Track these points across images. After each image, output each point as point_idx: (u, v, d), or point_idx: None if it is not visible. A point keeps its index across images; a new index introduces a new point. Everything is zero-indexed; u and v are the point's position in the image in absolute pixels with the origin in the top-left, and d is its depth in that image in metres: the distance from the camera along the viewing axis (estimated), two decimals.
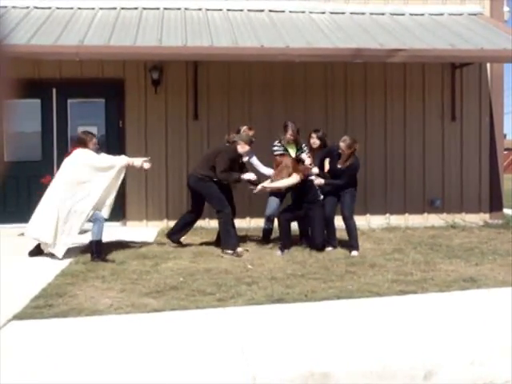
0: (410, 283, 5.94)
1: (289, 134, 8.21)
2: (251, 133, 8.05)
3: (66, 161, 7.38)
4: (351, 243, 7.65)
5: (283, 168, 7.55)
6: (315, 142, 8.38)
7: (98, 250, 7.12)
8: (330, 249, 7.72)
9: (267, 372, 3.77)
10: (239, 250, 7.46)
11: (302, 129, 9.10)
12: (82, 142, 7.42)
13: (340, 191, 7.76)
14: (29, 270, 6.66)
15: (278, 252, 7.53)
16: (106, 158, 7.37)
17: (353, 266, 6.73)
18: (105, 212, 7.30)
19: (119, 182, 7.40)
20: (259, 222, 8.97)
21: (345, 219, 7.70)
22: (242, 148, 7.73)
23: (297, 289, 5.70)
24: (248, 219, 9.78)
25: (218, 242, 7.92)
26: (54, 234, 7.05)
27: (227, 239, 7.48)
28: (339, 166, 7.82)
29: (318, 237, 7.63)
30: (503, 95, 10.88)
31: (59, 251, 7.07)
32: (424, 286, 5.85)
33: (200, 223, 8.77)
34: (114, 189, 7.32)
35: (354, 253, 7.49)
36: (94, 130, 10.08)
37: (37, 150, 10.05)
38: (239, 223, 8.76)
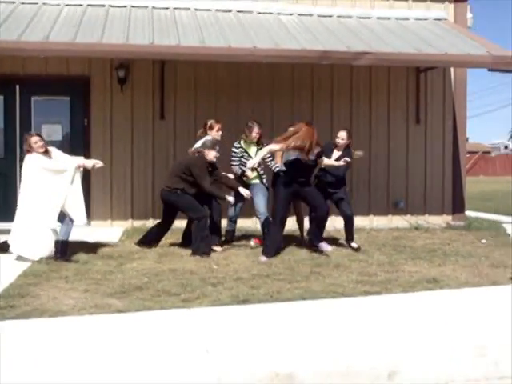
0: (374, 284, 6.00)
1: (255, 133, 8.19)
2: (218, 126, 8.09)
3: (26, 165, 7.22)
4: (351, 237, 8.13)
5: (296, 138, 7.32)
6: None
7: (63, 251, 7.03)
8: (330, 249, 7.82)
9: (232, 372, 3.76)
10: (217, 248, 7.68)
11: (269, 129, 9.13)
12: (25, 143, 7.21)
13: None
14: None
15: (264, 258, 7.24)
16: (55, 163, 7.18)
17: (318, 267, 6.77)
18: (80, 217, 7.16)
19: (78, 185, 7.19)
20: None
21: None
22: (209, 155, 7.69)
23: (262, 289, 5.71)
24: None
25: (184, 243, 7.90)
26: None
27: (198, 245, 7.43)
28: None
29: (321, 206, 7.60)
30: (466, 99, 11.07)
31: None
32: (388, 286, 5.91)
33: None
34: (77, 191, 7.15)
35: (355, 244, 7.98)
36: (58, 128, 9.99)
37: None
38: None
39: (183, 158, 8.10)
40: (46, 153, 7.18)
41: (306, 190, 7.52)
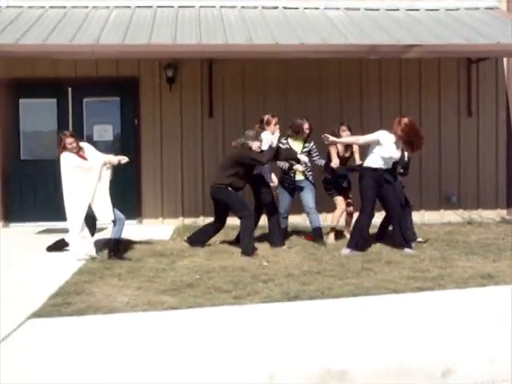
0: (426, 280, 5.91)
1: (305, 129, 8.19)
2: (274, 120, 8.02)
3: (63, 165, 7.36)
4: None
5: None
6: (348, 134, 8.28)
7: (116, 249, 7.17)
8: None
9: (284, 370, 3.77)
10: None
11: (318, 125, 9.07)
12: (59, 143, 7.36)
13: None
14: (46, 267, 6.72)
15: (347, 250, 7.32)
16: (84, 162, 7.28)
17: (369, 263, 6.70)
18: (105, 215, 7.24)
19: (105, 182, 7.26)
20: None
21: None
22: (253, 145, 7.66)
23: (313, 286, 5.69)
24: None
25: (237, 241, 7.91)
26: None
27: (246, 244, 7.40)
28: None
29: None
30: None
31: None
32: (441, 282, 5.82)
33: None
34: (103, 189, 7.21)
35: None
36: (109, 128, 10.18)
37: (53, 149, 10.08)
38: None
39: (230, 153, 8.07)
40: (79, 151, 7.32)
41: (390, 187, 7.51)
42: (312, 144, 8.32)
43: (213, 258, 7.16)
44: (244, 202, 7.66)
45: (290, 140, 8.25)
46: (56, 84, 9.88)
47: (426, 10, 10.54)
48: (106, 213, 7.24)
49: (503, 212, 10.53)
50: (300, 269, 6.47)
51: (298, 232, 8.83)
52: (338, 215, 8.23)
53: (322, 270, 6.36)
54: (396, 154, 7.46)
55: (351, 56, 9.14)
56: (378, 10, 10.46)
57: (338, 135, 8.01)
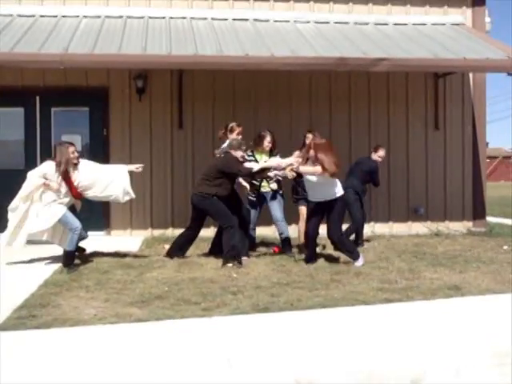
0: (395, 291, 5.95)
1: (267, 142, 8.08)
2: (238, 129, 7.96)
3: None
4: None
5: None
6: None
7: (66, 261, 7.07)
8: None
9: (254, 382, 3.75)
10: (243, 259, 7.44)
11: (288, 137, 9.14)
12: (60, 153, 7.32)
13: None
14: (11, 280, 6.59)
15: (360, 261, 7.34)
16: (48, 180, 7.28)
17: (338, 275, 6.73)
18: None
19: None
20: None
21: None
22: (237, 155, 7.59)
23: (282, 298, 5.69)
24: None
25: (213, 251, 7.87)
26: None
27: (231, 252, 7.33)
28: None
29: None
30: (485, 104, 10.99)
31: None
32: (409, 294, 5.86)
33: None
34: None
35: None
36: (77, 138, 10.06)
37: (20, 159, 9.97)
38: None
39: (213, 161, 7.87)
40: (76, 165, 7.33)
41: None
42: (278, 157, 8.09)
43: (182, 269, 7.11)
44: (227, 212, 7.52)
45: (255, 153, 8.14)
46: (23, 93, 9.77)
47: (394, 24, 10.70)
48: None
49: (469, 224, 10.70)
50: (269, 280, 6.46)
51: (266, 244, 8.84)
52: (303, 226, 8.21)
53: (292, 282, 6.37)
54: None
55: (320, 68, 9.22)
56: (347, 23, 10.58)
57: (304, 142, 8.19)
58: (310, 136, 8.21)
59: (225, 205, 7.56)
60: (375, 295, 5.80)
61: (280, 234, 8.16)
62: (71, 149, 7.26)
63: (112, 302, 5.58)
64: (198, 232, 7.88)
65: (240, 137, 7.97)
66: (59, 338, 4.56)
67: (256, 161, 8.02)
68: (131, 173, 7.68)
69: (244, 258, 7.51)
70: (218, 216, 7.62)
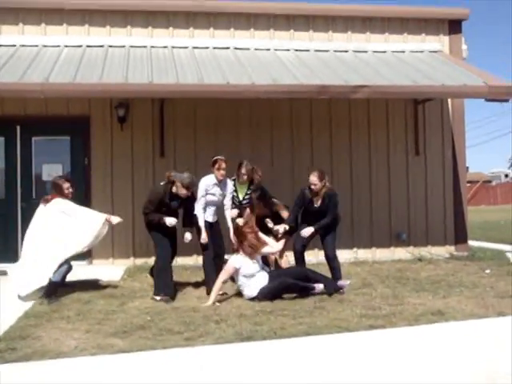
0: (378, 318, 5.94)
1: (242, 173, 7.80)
2: (218, 164, 7.49)
3: (47, 207, 7.35)
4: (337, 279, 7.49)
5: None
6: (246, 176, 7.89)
7: (49, 291, 7.00)
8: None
9: None
10: (165, 297, 7.01)
11: (269, 164, 9.15)
12: (55, 188, 7.43)
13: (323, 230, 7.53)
14: None
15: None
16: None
17: (322, 302, 6.70)
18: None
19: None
20: None
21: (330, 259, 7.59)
22: (180, 190, 7.24)
23: (266, 326, 5.65)
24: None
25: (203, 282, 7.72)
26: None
27: (159, 283, 7.14)
28: (316, 205, 7.56)
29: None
30: (465, 129, 11.13)
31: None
32: (393, 320, 5.85)
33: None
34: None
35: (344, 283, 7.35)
36: (59, 167, 10.02)
37: (0, 188, 9.89)
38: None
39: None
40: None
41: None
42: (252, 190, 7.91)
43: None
44: (161, 240, 7.29)
45: (236, 184, 7.94)
46: (4, 122, 9.71)
47: (374, 51, 10.85)
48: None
49: (452, 248, 10.75)
50: (252, 309, 6.42)
51: None
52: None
53: (275, 310, 6.33)
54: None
55: (301, 96, 9.29)
56: (327, 51, 10.70)
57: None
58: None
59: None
60: (359, 322, 5.79)
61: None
62: (66, 185, 7.39)
63: (93, 333, 5.52)
64: (172, 257, 7.60)
65: (221, 172, 7.53)
66: (38, 371, 4.48)
67: (236, 191, 7.88)
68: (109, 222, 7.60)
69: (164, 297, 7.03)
70: (154, 243, 7.45)
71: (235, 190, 7.91)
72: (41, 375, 4.37)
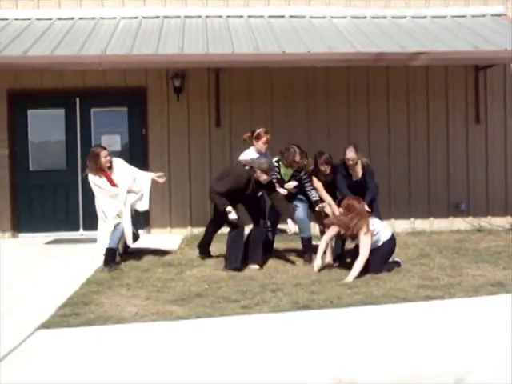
0: (436, 288, 5.87)
1: (296, 161, 7.37)
2: (266, 137, 7.49)
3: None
4: None
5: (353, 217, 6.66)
6: (326, 168, 7.58)
7: (107, 258, 7.16)
8: None
9: (295, 379, 3.74)
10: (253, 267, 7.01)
11: (326, 134, 9.06)
12: (93, 157, 7.49)
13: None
14: (55, 278, 6.71)
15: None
16: (109, 188, 7.52)
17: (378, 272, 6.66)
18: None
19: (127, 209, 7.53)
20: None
21: None
22: (261, 177, 7.01)
23: (322, 295, 5.66)
24: None
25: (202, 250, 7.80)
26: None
27: (228, 255, 7.09)
28: (357, 179, 7.50)
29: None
30: None
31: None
32: (451, 291, 5.77)
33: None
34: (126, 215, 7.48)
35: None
36: (117, 138, 10.20)
37: (61, 160, 10.14)
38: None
39: (233, 167, 7.56)
40: (110, 168, 7.49)
41: None
42: (304, 174, 7.53)
43: (221, 267, 7.13)
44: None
45: (281, 165, 7.54)
46: (64, 94, 9.92)
47: (433, 17, 10.53)
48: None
49: None
50: (309, 278, 6.44)
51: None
52: None
53: (332, 279, 6.33)
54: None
55: (358, 64, 9.14)
56: (384, 17, 10.45)
57: (316, 166, 7.59)
58: (322, 162, 7.52)
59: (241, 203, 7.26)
60: (416, 292, 5.73)
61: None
62: (103, 153, 7.44)
63: (153, 300, 5.65)
64: (221, 226, 7.66)
65: (266, 146, 7.52)
66: (102, 335, 4.62)
67: (279, 173, 7.53)
68: (153, 181, 7.79)
69: (254, 267, 7.05)
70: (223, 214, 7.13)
71: (279, 172, 7.53)
72: (104, 340, 4.51)
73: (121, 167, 7.61)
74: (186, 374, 3.81)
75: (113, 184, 7.45)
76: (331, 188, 7.64)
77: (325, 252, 7.09)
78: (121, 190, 7.39)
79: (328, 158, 7.59)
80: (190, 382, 3.72)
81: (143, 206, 7.74)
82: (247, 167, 7.17)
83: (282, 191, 7.38)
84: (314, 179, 7.58)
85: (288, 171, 7.59)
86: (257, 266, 7.06)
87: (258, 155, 7.49)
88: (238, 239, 7.10)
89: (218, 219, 7.47)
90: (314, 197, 7.45)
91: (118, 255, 7.40)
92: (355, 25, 10.12)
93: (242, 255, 7.06)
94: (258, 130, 7.63)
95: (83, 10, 10.19)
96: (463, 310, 5.14)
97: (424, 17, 10.52)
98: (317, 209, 7.40)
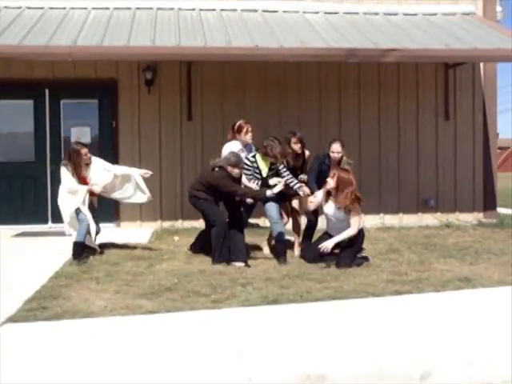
0: (405, 283, 5.93)
1: (277, 153, 7.14)
2: (246, 127, 7.43)
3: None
4: None
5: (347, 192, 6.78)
6: (296, 148, 7.60)
7: (75, 252, 7.10)
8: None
9: (263, 373, 3.75)
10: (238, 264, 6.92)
11: (297, 128, 9.04)
12: (73, 153, 7.40)
13: None
14: (22, 271, 6.62)
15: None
16: (72, 185, 7.43)
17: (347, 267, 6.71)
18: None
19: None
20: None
21: None
22: (233, 172, 7.02)
23: (292, 289, 5.68)
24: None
25: (194, 247, 7.70)
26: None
27: (214, 253, 7.02)
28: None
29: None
30: (496, 94, 10.90)
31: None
32: (419, 285, 5.84)
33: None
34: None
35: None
36: (87, 130, 10.09)
37: (30, 151, 10.00)
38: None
39: (207, 172, 7.32)
40: (88, 165, 7.45)
41: None
42: (280, 165, 7.33)
43: (191, 261, 7.12)
44: (216, 209, 7.20)
45: (258, 156, 7.29)
46: (33, 85, 9.78)
47: (404, 14, 10.62)
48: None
49: (480, 215, 10.64)
50: (279, 272, 6.46)
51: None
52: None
53: (301, 274, 6.36)
54: None
55: (330, 59, 9.18)
56: (356, 13, 10.51)
57: (288, 146, 7.56)
58: (295, 140, 7.56)
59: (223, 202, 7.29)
60: (385, 287, 5.79)
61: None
62: (84, 150, 7.38)
63: (122, 294, 5.60)
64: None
65: (250, 135, 7.49)
66: (70, 329, 4.57)
67: (258, 167, 7.27)
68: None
69: (239, 264, 6.93)
70: (207, 213, 7.23)
71: (257, 167, 7.29)
72: (72, 334, 4.47)
73: (98, 167, 7.52)
74: (155, 369, 3.80)
75: (83, 181, 7.38)
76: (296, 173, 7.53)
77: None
78: (81, 188, 7.32)
79: (301, 137, 7.59)
80: (159, 377, 3.70)
81: (140, 198, 7.72)
82: (216, 168, 7.10)
83: (275, 190, 7.02)
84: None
85: (265, 163, 7.28)
86: (242, 264, 6.94)
87: (241, 147, 7.44)
88: (220, 234, 7.02)
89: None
90: (295, 184, 7.21)
91: (97, 248, 7.43)
92: (328, 20, 10.15)
93: (227, 249, 7.05)
94: (238, 122, 7.50)
95: (53, 0, 10.04)
96: (431, 305, 5.20)
97: (396, 14, 10.61)
98: (301, 193, 7.23)
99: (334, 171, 6.99)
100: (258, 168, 7.30)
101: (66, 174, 7.35)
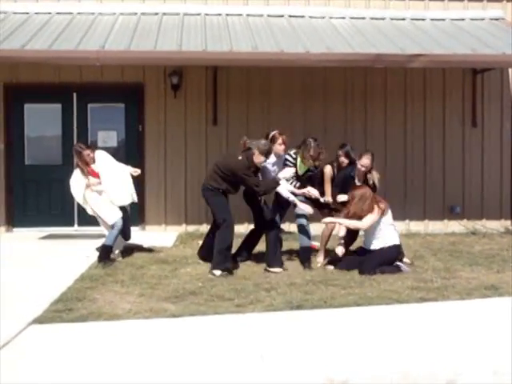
0: (430, 290, 5.88)
1: (312, 153, 7.08)
2: (280, 139, 7.15)
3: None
4: None
5: (361, 200, 6.88)
6: (344, 160, 7.58)
7: (101, 255, 7.19)
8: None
9: (286, 378, 3.74)
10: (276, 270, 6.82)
11: (322, 133, 9.05)
12: (76, 154, 7.68)
13: None
14: (49, 273, 6.70)
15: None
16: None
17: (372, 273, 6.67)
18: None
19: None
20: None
21: None
22: (257, 159, 6.87)
23: (316, 295, 5.67)
24: None
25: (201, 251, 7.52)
26: None
27: (217, 257, 6.75)
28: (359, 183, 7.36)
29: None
30: None
31: None
32: (445, 293, 5.79)
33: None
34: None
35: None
36: (113, 134, 10.19)
37: (57, 154, 10.12)
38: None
39: (229, 155, 7.31)
40: (94, 162, 7.64)
41: None
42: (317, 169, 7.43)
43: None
44: (226, 207, 6.94)
45: (298, 158, 7.23)
46: (61, 89, 9.89)
47: (432, 19, 10.54)
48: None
49: (507, 223, 10.49)
50: (303, 278, 6.44)
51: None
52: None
53: (326, 280, 6.33)
54: None
55: (356, 65, 9.14)
56: (383, 19, 10.46)
57: (338, 160, 7.59)
58: (342, 155, 7.54)
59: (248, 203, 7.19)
60: (410, 294, 5.74)
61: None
62: (86, 152, 7.56)
63: (146, 297, 5.64)
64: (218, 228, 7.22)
65: (283, 147, 7.18)
66: (94, 331, 4.61)
67: (295, 165, 7.23)
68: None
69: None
70: (213, 208, 7.03)
71: (295, 164, 7.24)
72: (97, 336, 4.50)
73: (102, 159, 7.69)
74: (178, 372, 3.81)
75: (94, 175, 7.58)
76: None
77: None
78: (126, 169, 7.71)
79: (347, 151, 7.55)
80: (182, 380, 3.72)
81: (123, 200, 7.66)
82: (239, 157, 6.91)
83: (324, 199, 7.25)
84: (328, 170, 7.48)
85: (304, 166, 7.27)
86: (280, 270, 6.84)
87: (275, 159, 7.20)
88: (227, 238, 6.83)
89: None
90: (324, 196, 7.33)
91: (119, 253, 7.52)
92: (354, 25, 10.12)
93: (231, 255, 6.95)
94: (273, 133, 7.29)
95: (82, 5, 10.18)
96: (456, 313, 5.15)
97: (423, 19, 10.53)
98: (323, 200, 7.25)
99: (349, 195, 7.01)
100: (295, 165, 7.25)
101: (77, 174, 7.63)
